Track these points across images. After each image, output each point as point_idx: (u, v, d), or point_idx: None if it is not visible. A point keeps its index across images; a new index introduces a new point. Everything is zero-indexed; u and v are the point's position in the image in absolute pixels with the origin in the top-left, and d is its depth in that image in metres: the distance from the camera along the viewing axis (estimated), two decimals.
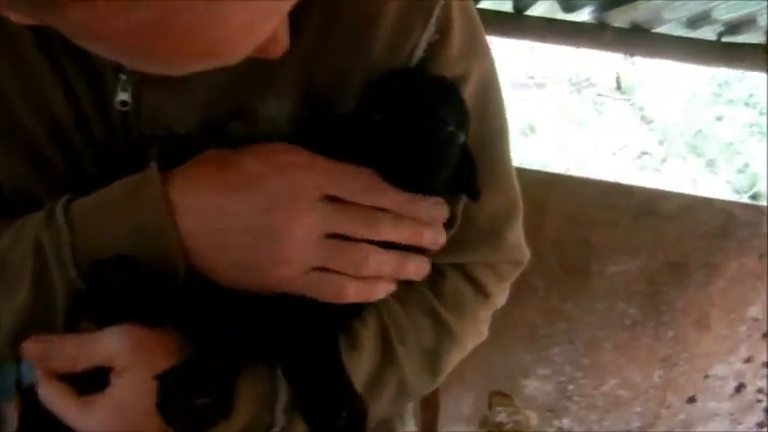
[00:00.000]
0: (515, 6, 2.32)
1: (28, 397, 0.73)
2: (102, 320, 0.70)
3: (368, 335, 0.79)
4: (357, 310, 0.78)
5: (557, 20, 2.31)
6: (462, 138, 0.71)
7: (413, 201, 0.71)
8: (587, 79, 4.95)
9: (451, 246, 0.80)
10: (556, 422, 2.22)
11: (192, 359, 0.67)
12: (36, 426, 0.73)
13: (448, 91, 0.73)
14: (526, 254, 0.93)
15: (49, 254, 0.69)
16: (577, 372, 2.18)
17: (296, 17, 0.58)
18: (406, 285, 0.81)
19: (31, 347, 0.70)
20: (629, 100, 4.94)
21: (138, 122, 0.74)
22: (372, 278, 0.71)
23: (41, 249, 0.70)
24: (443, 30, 0.75)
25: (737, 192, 4.69)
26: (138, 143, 0.75)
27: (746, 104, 5.07)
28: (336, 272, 0.69)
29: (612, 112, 4.90)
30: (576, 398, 2.21)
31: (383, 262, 0.70)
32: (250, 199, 0.67)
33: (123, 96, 0.72)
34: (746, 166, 4.80)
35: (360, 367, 0.78)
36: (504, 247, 0.89)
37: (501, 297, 0.93)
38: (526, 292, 2.08)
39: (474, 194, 0.76)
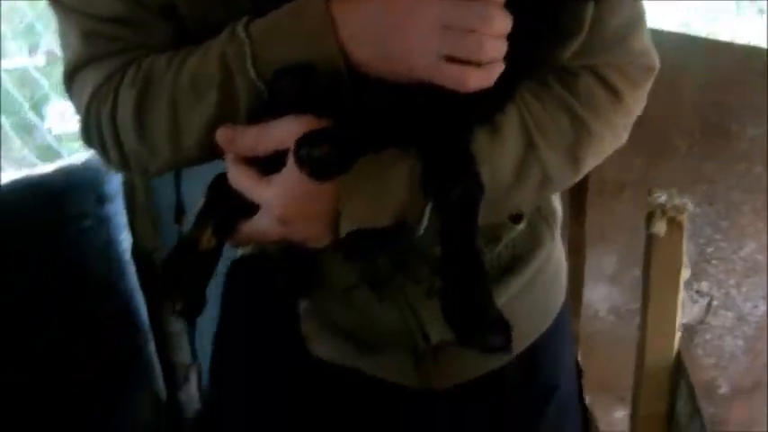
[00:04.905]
0: None
1: (216, 181, 0.88)
2: (277, 117, 0.79)
3: (509, 125, 0.87)
4: (500, 104, 0.86)
5: None
6: None
7: None
8: None
9: (581, 49, 0.87)
10: (695, 284, 2.20)
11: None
12: (222, 203, 0.86)
13: None
14: (655, 59, 0.95)
15: (232, 64, 0.81)
16: (716, 234, 2.15)
17: None
18: (540, 85, 0.90)
19: (221, 133, 0.82)
20: None
21: None
22: (488, 63, 0.76)
23: (226, 61, 0.81)
24: None
25: None
26: None
27: None
28: (459, 62, 0.76)
29: None
30: (714, 261, 2.19)
31: (496, 46, 0.76)
32: (384, 5, 0.77)
33: None
34: None
35: (503, 152, 0.86)
36: (632, 51, 0.92)
37: (636, 104, 0.96)
38: (668, 151, 2.08)
39: None
